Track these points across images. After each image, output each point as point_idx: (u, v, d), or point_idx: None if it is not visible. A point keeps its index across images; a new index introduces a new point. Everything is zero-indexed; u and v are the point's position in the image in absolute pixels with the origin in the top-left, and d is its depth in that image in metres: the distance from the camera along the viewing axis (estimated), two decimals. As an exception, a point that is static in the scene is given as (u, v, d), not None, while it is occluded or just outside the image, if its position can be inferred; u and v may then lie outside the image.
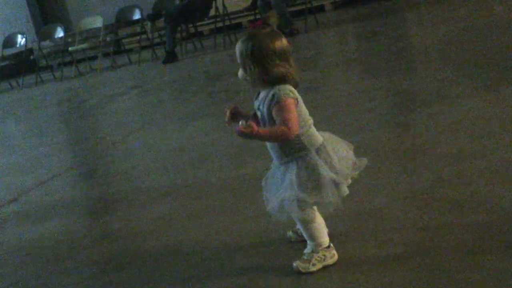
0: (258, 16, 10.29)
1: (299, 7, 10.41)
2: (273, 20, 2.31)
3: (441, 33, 6.75)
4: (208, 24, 11.63)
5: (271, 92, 2.25)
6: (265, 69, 2.24)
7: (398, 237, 2.40)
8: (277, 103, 2.23)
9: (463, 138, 3.34)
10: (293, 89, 2.27)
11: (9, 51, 12.26)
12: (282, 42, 2.26)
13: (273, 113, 2.25)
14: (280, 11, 9.23)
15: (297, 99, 2.26)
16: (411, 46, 6.76)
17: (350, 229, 2.57)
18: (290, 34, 9.25)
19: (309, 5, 10.01)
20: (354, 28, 9.29)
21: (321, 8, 11.47)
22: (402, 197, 2.76)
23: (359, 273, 2.23)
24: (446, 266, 2.13)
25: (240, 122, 2.25)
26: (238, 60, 2.30)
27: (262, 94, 2.31)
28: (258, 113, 2.34)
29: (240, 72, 2.32)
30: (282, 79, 2.25)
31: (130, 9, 11.32)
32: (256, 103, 2.34)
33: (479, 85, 4.24)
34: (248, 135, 2.22)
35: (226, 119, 2.39)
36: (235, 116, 2.39)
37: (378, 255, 2.31)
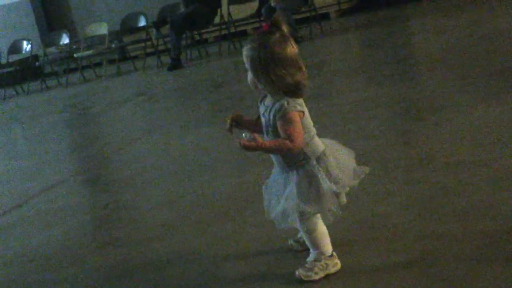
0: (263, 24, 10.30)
1: (304, 15, 10.42)
2: (281, 21, 2.26)
3: (445, 41, 6.75)
4: (213, 31, 11.65)
5: (279, 103, 2.22)
6: (279, 78, 2.19)
7: (401, 245, 2.40)
8: (283, 116, 2.20)
9: (467, 146, 3.34)
10: (301, 101, 2.24)
11: (14, 57, 12.31)
12: (293, 48, 2.22)
13: (278, 125, 2.22)
14: (285, 19, 9.26)
15: (303, 112, 2.24)
16: (415, 54, 6.76)
17: (354, 237, 2.56)
18: (295, 41, 9.25)
19: (313, 13, 10.03)
20: (359, 36, 9.30)
21: (325, 16, 11.48)
22: (405, 206, 2.76)
23: (362, 281, 2.22)
24: (449, 274, 2.12)
25: (244, 134, 2.22)
26: (247, 65, 2.25)
27: (268, 101, 2.28)
28: (262, 119, 2.33)
29: (250, 78, 2.28)
30: (296, 88, 2.21)
31: (135, 16, 11.35)
32: (262, 109, 2.32)
33: (483, 94, 4.24)
34: (252, 149, 2.20)
35: (227, 127, 2.38)
36: (237, 123, 2.39)
37: (381, 263, 2.30)
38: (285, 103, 2.21)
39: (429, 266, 2.21)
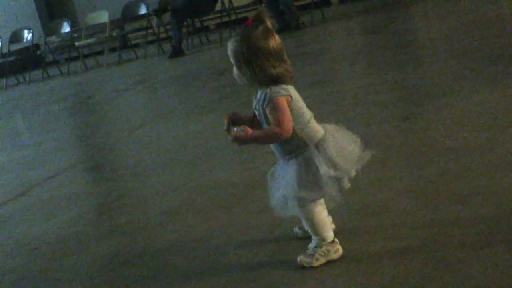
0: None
1: (305, 1, 10.39)
2: (264, 16, 2.28)
3: (447, 26, 6.73)
4: (214, 18, 11.63)
5: (264, 92, 2.25)
6: (261, 70, 2.23)
7: (403, 231, 2.40)
8: (269, 102, 2.23)
9: (469, 131, 3.33)
10: (286, 86, 2.26)
11: (15, 47, 12.30)
12: (276, 41, 2.25)
13: (267, 113, 2.25)
14: (286, 5, 9.24)
15: (290, 95, 2.25)
16: (417, 40, 6.74)
17: (356, 223, 2.57)
18: (296, 28, 9.25)
19: (315, -1, 10.00)
20: (360, 21, 9.27)
21: (327, 2, 11.45)
22: (408, 191, 2.76)
23: (364, 267, 2.23)
24: (452, 260, 2.13)
25: (235, 128, 2.26)
26: (232, 60, 2.30)
27: (258, 94, 2.31)
28: (256, 113, 2.34)
29: (235, 71, 2.32)
30: (279, 79, 2.25)
31: (136, 4, 11.33)
32: (254, 103, 2.34)
33: (485, 79, 4.23)
34: (242, 140, 2.24)
35: (225, 128, 2.38)
36: (235, 121, 2.39)
37: (383, 249, 2.31)
38: (269, 90, 2.24)
39: (431, 251, 2.21)
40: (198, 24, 11.59)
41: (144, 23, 11.24)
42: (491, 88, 3.97)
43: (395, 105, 4.26)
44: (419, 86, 4.59)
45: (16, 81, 12.39)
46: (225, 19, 10.57)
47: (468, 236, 2.26)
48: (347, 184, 2.32)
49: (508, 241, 2.16)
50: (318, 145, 2.28)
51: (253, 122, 2.34)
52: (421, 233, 2.35)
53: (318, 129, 2.31)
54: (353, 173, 2.35)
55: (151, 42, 11.35)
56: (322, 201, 2.36)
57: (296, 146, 2.28)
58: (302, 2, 10.48)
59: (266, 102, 2.25)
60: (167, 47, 10.63)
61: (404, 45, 6.32)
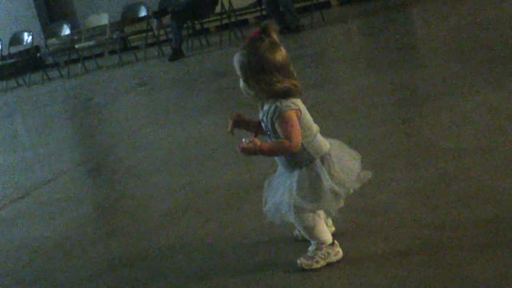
0: (263, 13, 10.32)
1: (305, 3, 10.40)
2: (271, 28, 2.27)
3: (447, 28, 6.73)
4: (214, 20, 11.63)
5: (273, 105, 2.24)
6: (267, 84, 2.21)
7: (403, 232, 2.40)
8: (279, 116, 2.22)
9: (469, 133, 3.34)
10: (295, 100, 2.25)
11: (16, 49, 12.31)
12: (282, 55, 2.23)
13: (276, 126, 2.24)
14: (286, 7, 9.24)
15: (299, 109, 2.25)
16: (417, 42, 6.75)
17: (356, 225, 2.57)
18: (296, 30, 9.26)
19: (315, 1, 10.00)
20: (360, 24, 9.28)
21: (327, 4, 11.45)
22: (407, 193, 2.76)
23: (364, 269, 2.23)
24: (452, 261, 2.13)
25: (243, 139, 2.25)
26: (238, 73, 2.28)
27: (266, 106, 2.29)
28: (263, 125, 2.34)
29: (242, 85, 2.30)
30: (287, 93, 2.23)
31: (136, 6, 11.34)
32: (261, 114, 2.33)
33: (485, 80, 4.23)
34: (251, 152, 2.23)
35: (229, 129, 2.38)
36: (239, 124, 2.39)
37: (383, 251, 2.31)
38: (279, 103, 2.22)
39: (431, 253, 2.21)
40: (198, 26, 11.59)
41: (144, 25, 11.25)
42: (491, 89, 3.97)
43: (394, 106, 4.26)
44: (419, 88, 4.59)
45: (16, 84, 12.40)
46: (225, 21, 10.58)
47: (468, 237, 2.26)
48: (341, 204, 2.32)
49: (508, 242, 2.16)
50: (323, 159, 2.28)
51: (258, 131, 2.34)
52: (421, 234, 2.35)
53: (324, 143, 2.31)
54: (351, 191, 2.34)
55: (151, 45, 11.36)
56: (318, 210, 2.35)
57: (302, 159, 2.28)
58: (302, 4, 10.48)
59: (275, 116, 2.23)
60: (167, 49, 10.64)
61: (403, 47, 6.32)
